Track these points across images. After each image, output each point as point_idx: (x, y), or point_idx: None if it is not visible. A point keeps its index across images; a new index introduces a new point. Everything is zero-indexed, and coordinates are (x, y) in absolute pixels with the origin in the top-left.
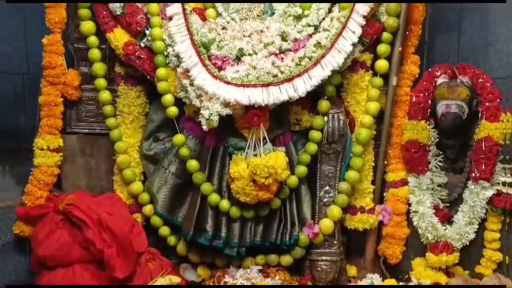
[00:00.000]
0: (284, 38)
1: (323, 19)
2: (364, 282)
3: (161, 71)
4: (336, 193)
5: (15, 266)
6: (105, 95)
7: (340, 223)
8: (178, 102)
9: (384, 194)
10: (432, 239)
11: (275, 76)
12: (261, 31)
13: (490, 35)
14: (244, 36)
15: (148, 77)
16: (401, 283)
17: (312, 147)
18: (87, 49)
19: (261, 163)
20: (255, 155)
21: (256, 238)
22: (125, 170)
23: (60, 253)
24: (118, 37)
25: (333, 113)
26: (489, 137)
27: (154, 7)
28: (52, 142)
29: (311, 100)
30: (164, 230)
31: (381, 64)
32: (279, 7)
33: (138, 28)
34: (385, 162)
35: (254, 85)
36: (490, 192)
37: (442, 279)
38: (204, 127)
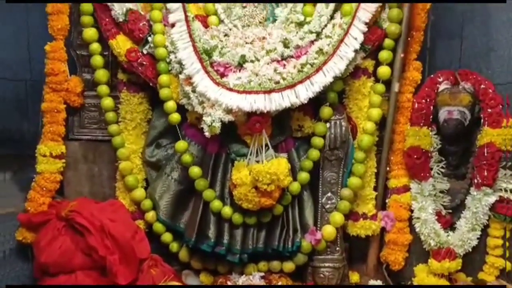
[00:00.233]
0: (286, 45)
1: (325, 25)
2: None
3: (164, 78)
4: (339, 199)
5: (17, 272)
6: (107, 102)
7: (343, 230)
8: (181, 108)
9: (387, 201)
10: (434, 245)
11: (277, 82)
12: (263, 38)
13: (492, 41)
14: (246, 43)
15: (150, 84)
16: None
17: (314, 154)
18: (90, 56)
19: (263, 169)
20: (257, 162)
21: (258, 245)
22: (128, 177)
23: (62, 259)
24: (121, 44)
25: (335, 120)
26: (492, 143)
27: (156, 14)
28: (55, 148)
29: (313, 106)
30: (167, 237)
31: (383, 71)
32: (281, 14)
33: (141, 35)
34: (387, 169)
35: (256, 92)
36: (492, 199)
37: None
38: (207, 134)
